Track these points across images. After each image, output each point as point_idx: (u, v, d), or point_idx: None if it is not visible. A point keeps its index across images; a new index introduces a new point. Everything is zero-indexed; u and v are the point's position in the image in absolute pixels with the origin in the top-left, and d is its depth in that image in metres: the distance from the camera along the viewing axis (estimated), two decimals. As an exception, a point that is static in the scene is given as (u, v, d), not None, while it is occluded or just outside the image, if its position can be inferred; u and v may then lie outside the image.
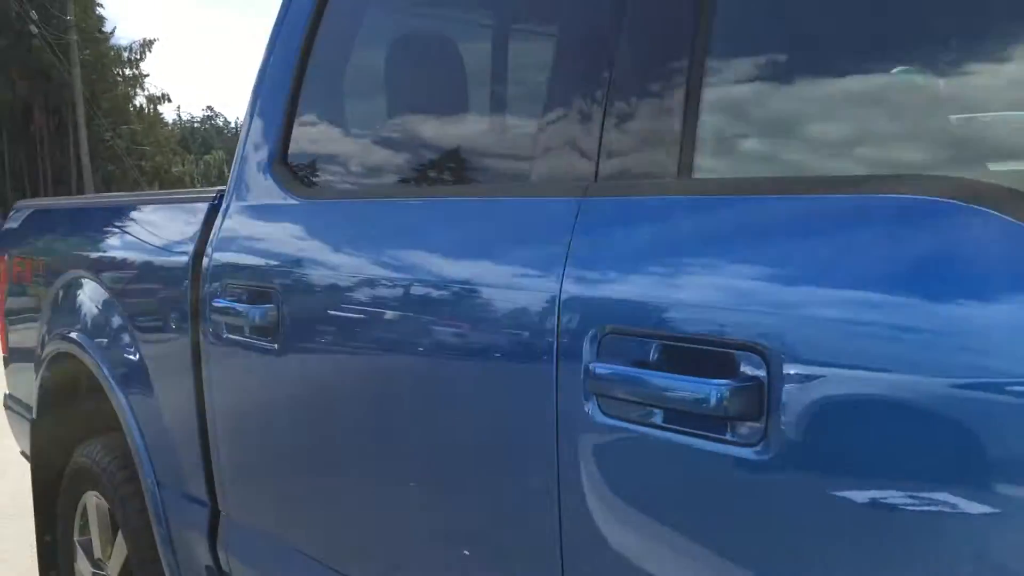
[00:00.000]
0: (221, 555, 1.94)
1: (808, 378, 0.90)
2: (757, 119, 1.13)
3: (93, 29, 34.23)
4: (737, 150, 1.16)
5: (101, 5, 38.19)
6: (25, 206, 3.29)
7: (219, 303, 1.81)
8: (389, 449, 1.46)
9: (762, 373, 0.92)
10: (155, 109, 41.22)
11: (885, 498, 0.84)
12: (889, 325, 0.84)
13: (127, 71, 38.27)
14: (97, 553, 2.58)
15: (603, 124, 1.16)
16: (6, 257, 3.16)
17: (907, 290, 0.85)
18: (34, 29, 22.67)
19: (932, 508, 0.81)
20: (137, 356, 2.19)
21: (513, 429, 1.21)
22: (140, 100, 39.33)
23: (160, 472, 2.15)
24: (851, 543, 0.86)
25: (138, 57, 37.93)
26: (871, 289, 0.87)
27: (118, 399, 2.25)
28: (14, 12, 22.72)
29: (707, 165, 1.11)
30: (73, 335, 2.47)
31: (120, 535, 2.41)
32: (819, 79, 1.09)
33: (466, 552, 1.34)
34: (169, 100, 59.23)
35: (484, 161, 1.50)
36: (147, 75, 45.39)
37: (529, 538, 1.20)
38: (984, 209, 0.80)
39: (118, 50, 37.33)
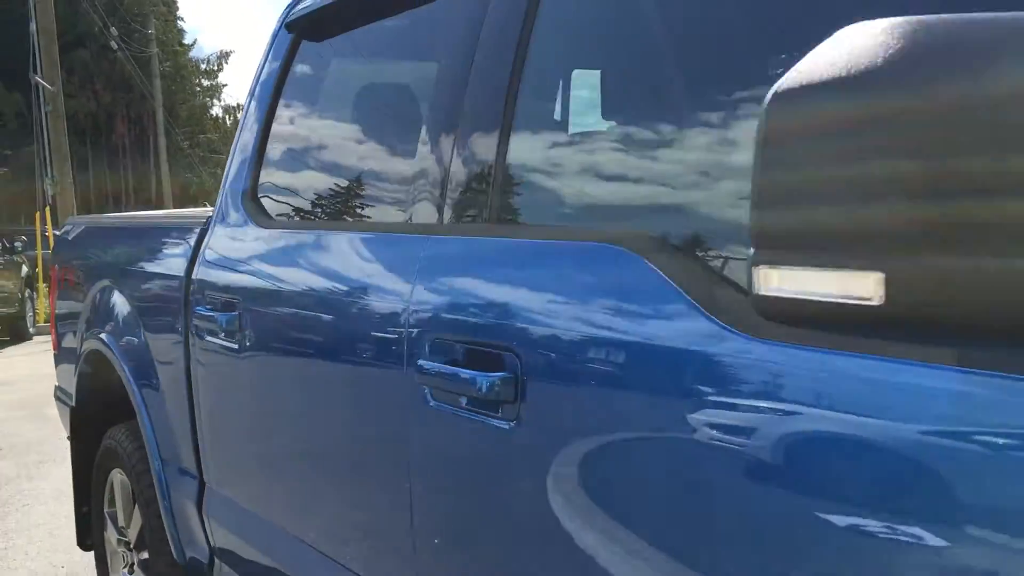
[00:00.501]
0: (204, 519, 2.35)
1: (543, 371, 1.25)
2: (543, 188, 1.49)
3: (173, 42, 35.70)
4: (525, 207, 1.51)
5: (181, 19, 39.72)
6: (76, 222, 3.76)
7: (200, 311, 2.22)
8: (311, 429, 1.85)
9: (517, 367, 1.28)
10: (232, 118, 42.69)
11: (597, 459, 1.18)
12: (585, 333, 1.19)
13: (205, 82, 39.74)
14: (121, 522, 3.02)
15: (444, 186, 1.54)
16: (57, 267, 3.64)
17: (595, 306, 1.20)
18: (114, 45, 23.84)
19: (618, 465, 1.15)
20: (147, 354, 2.61)
21: (380, 408, 1.59)
22: (217, 110, 40.79)
23: (163, 451, 2.57)
24: (573, 490, 1.21)
25: (216, 68, 39.35)
26: (574, 304, 1.22)
27: (133, 390, 2.68)
28: (97, 27, 23.92)
29: (507, 217, 1.47)
30: (102, 335, 2.91)
31: (136, 508, 2.84)
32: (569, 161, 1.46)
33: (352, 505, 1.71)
34: (246, 109, 60.79)
35: (379, 205, 1.88)
36: (225, 85, 47.00)
37: (392, 483, 1.57)
38: (634, 253, 1.15)
39: (196, 62, 38.77)
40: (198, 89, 38.64)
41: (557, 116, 1.78)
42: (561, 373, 1.23)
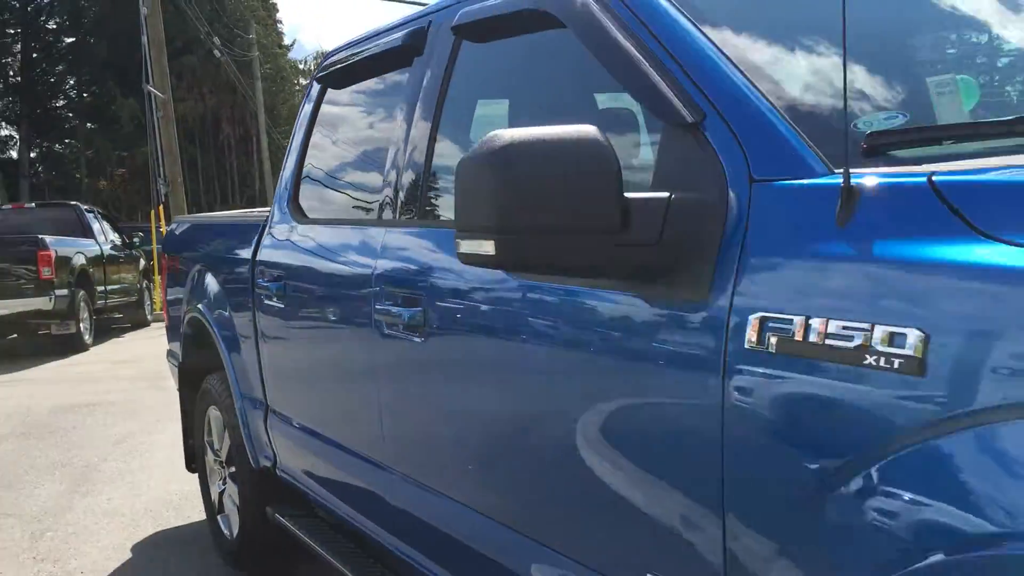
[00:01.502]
0: (268, 432, 3.29)
1: (438, 308, 2.11)
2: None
3: (273, 45, 37.57)
4: (442, 207, 2.35)
5: (280, 22, 41.63)
6: (181, 220, 4.79)
7: (260, 283, 3.15)
8: (324, 359, 2.76)
9: (425, 304, 2.14)
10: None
11: (471, 358, 2.04)
12: (456, 285, 2.05)
13: (303, 80, 41.52)
14: (216, 446, 4.00)
15: (396, 193, 2.41)
16: (166, 256, 4.66)
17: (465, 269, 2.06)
18: (217, 53, 25.53)
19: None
20: (229, 317, 3.57)
21: (360, 339, 2.48)
22: (316, 107, 42.43)
23: (242, 388, 3.53)
24: (460, 379, 2.07)
25: (313, 68, 41.06)
26: (454, 268, 2.09)
27: (220, 346, 3.65)
28: (202, 34, 25.64)
29: (431, 213, 2.33)
30: (199, 306, 3.89)
31: (226, 432, 3.81)
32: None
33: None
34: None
35: (364, 207, 2.77)
36: (323, 83, 48.73)
37: (367, 387, 2.45)
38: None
39: (295, 63, 40.61)
40: (297, 88, 40.52)
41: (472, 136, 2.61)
42: (448, 309, 2.09)
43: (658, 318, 1.49)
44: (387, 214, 2.46)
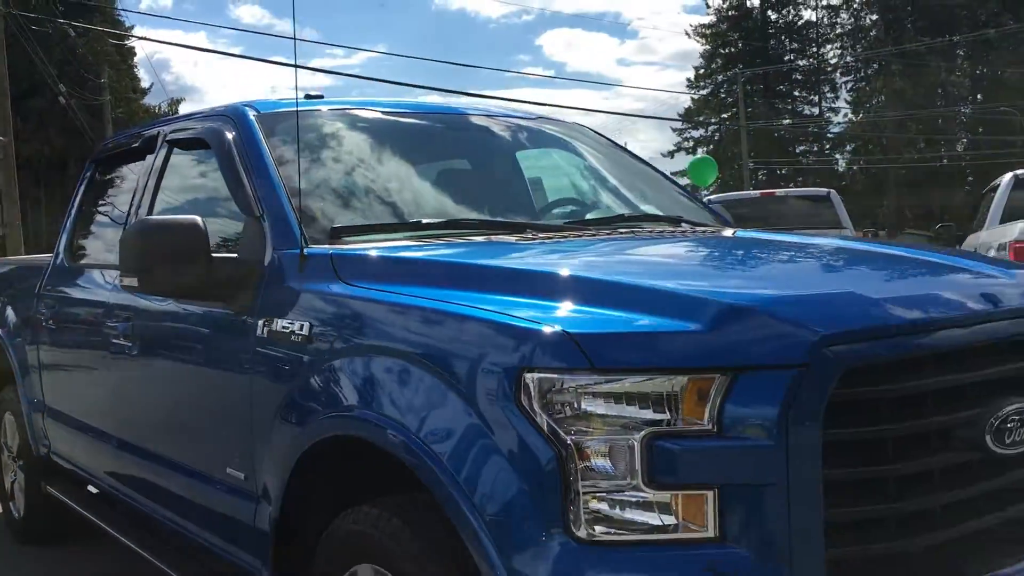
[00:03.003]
0: (43, 425, 4.29)
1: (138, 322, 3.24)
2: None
3: (126, 89, 37.64)
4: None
5: (136, 67, 41.67)
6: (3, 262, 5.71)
7: (40, 311, 4.19)
8: (83, 372, 3.85)
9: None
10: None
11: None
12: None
13: (159, 126, 41.52)
14: (9, 445, 4.93)
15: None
16: None
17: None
18: (62, 99, 25.81)
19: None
20: (20, 340, 4.56)
21: (100, 349, 3.57)
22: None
23: (28, 394, 4.51)
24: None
25: (169, 111, 41.25)
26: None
27: (12, 362, 4.63)
28: (49, 79, 25.86)
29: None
30: (0, 332, 4.86)
31: (17, 432, 4.76)
32: None
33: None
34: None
35: (111, 251, 3.87)
36: (180, 128, 48.67)
37: (105, 383, 3.54)
38: None
39: (150, 107, 40.68)
40: (151, 133, 40.44)
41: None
42: (141, 322, 3.23)
43: (223, 319, 2.68)
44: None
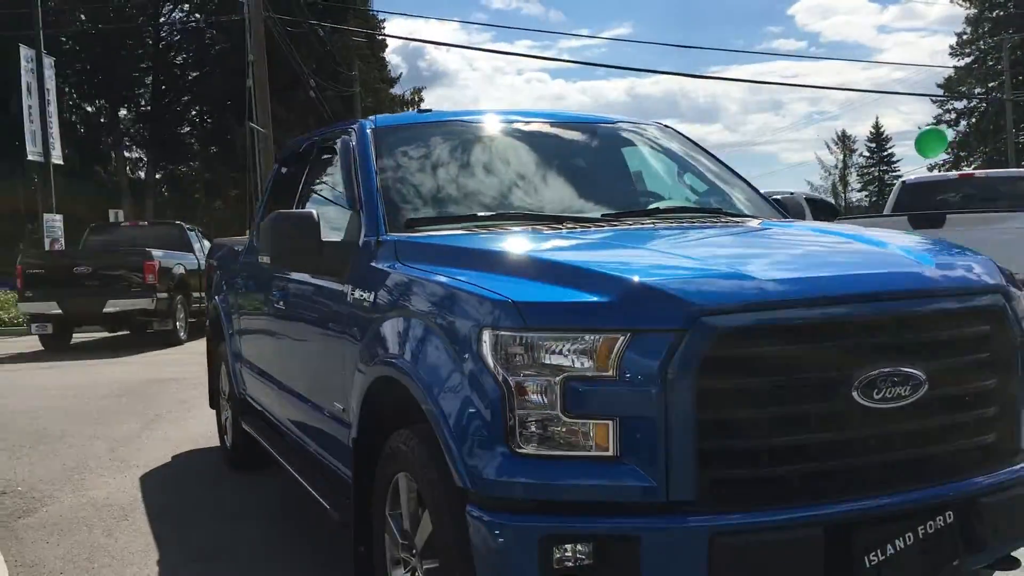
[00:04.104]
0: (240, 373, 5.37)
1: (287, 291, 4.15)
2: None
3: (375, 80, 40.62)
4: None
5: (386, 59, 44.79)
6: (219, 242, 6.97)
7: (238, 281, 5.26)
8: (260, 333, 4.86)
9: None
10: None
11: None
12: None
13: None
14: (224, 389, 6.12)
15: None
16: (208, 264, 6.84)
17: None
18: (312, 94, 28.50)
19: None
20: (233, 301, 5.68)
21: (268, 314, 4.54)
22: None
23: (233, 351, 5.62)
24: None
25: (412, 99, 44.04)
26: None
27: (224, 325, 5.77)
28: (303, 75, 28.65)
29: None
30: (216, 297, 6.04)
31: (230, 378, 5.92)
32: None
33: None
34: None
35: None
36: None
37: (270, 336, 4.51)
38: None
39: (397, 96, 43.64)
40: (398, 120, 43.27)
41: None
42: (289, 290, 4.14)
43: (331, 288, 3.49)
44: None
